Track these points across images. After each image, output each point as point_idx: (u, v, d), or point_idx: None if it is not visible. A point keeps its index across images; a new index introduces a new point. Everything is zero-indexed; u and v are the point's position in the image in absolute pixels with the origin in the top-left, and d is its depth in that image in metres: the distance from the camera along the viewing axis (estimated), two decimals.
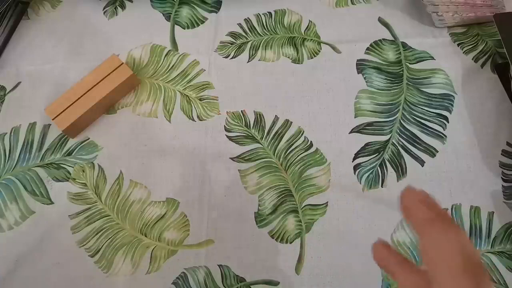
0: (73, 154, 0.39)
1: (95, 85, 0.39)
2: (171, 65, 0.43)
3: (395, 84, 0.40)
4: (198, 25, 0.45)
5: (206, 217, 0.36)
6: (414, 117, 0.39)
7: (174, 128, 0.40)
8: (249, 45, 0.43)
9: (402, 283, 0.22)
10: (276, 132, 0.39)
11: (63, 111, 0.38)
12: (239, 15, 0.45)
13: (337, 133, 0.38)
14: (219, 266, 0.34)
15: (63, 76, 0.43)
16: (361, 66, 0.41)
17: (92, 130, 0.40)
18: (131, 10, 0.47)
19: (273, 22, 0.45)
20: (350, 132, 0.38)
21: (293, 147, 0.38)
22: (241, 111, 0.40)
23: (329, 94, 0.40)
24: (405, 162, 0.37)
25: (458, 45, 0.42)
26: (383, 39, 0.43)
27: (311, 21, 0.44)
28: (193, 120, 0.40)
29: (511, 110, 0.38)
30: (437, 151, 0.37)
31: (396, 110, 0.39)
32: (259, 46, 0.43)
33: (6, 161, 0.39)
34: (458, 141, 0.37)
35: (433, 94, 0.40)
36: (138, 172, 0.38)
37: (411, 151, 0.37)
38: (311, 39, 0.43)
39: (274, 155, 0.38)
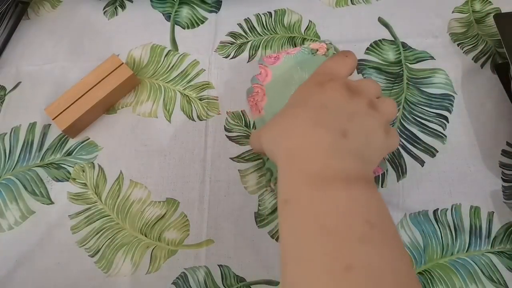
0: (73, 154, 0.39)
1: (95, 85, 0.39)
2: (171, 65, 0.43)
3: (395, 84, 0.40)
4: (198, 25, 0.45)
5: (206, 217, 0.36)
6: (414, 117, 0.39)
7: (174, 128, 0.40)
8: (249, 45, 0.43)
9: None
10: None
11: (63, 111, 0.38)
12: (239, 15, 0.45)
13: None
14: (219, 266, 0.34)
15: (63, 76, 0.43)
16: (361, 66, 0.41)
17: (92, 130, 0.40)
18: (131, 10, 0.47)
19: (273, 22, 0.45)
20: None
21: None
22: (241, 111, 0.40)
23: None
24: (405, 162, 0.37)
25: (458, 45, 0.42)
26: (383, 39, 0.43)
27: (311, 21, 0.44)
28: (193, 120, 0.40)
29: (511, 110, 0.38)
30: (437, 151, 0.37)
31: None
32: (259, 46, 0.43)
33: (6, 161, 0.39)
34: (458, 141, 0.37)
35: (433, 94, 0.40)
36: (138, 172, 0.38)
37: (411, 151, 0.37)
38: (311, 39, 0.43)
39: None
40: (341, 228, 0.22)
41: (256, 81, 0.40)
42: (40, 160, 0.39)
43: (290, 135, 0.26)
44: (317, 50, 0.40)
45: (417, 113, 0.39)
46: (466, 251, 0.33)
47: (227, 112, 0.40)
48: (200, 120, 0.40)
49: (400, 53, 0.42)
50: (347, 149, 0.25)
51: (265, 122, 0.36)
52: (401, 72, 0.41)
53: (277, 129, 0.28)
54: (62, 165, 0.39)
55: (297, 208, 0.24)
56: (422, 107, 0.39)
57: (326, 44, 0.41)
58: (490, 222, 0.34)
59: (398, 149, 0.37)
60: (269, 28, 0.44)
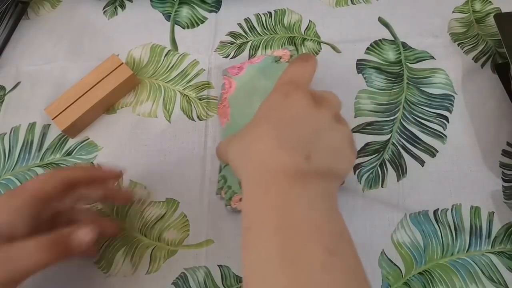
0: (73, 154, 0.39)
1: (95, 85, 0.39)
2: (171, 65, 0.43)
3: (395, 84, 0.40)
4: (198, 25, 0.45)
5: (206, 217, 0.36)
6: (414, 117, 0.39)
7: (174, 128, 0.40)
8: (249, 45, 0.43)
9: None
10: None
11: (63, 111, 0.38)
12: (239, 15, 0.45)
13: None
14: (219, 266, 0.34)
15: (63, 76, 0.43)
16: (361, 66, 0.41)
17: (92, 130, 0.40)
18: (131, 10, 0.47)
19: (273, 22, 0.45)
20: None
21: None
22: None
23: None
24: (405, 162, 0.37)
25: (458, 45, 0.42)
26: (383, 39, 0.43)
27: (311, 21, 0.44)
28: (193, 120, 0.40)
29: (511, 110, 0.38)
30: (437, 151, 0.37)
31: (396, 109, 0.39)
32: (259, 46, 0.43)
33: (6, 161, 0.39)
34: (458, 141, 0.37)
35: (433, 94, 0.39)
36: (138, 172, 0.38)
37: (411, 151, 0.37)
38: (311, 39, 0.43)
39: None
40: (302, 258, 0.21)
41: (224, 87, 0.40)
42: (40, 160, 0.39)
43: (254, 158, 0.26)
44: (281, 57, 0.40)
45: (417, 113, 0.39)
46: (466, 251, 0.33)
47: None
48: (200, 120, 0.40)
49: (400, 53, 0.42)
50: (311, 171, 0.25)
51: (230, 133, 0.36)
52: (401, 72, 0.41)
53: (242, 146, 0.28)
54: (62, 165, 0.39)
55: (259, 237, 0.23)
56: (422, 107, 0.39)
57: (290, 50, 0.41)
58: (490, 222, 0.34)
59: (398, 149, 0.37)
60: (269, 28, 0.44)
